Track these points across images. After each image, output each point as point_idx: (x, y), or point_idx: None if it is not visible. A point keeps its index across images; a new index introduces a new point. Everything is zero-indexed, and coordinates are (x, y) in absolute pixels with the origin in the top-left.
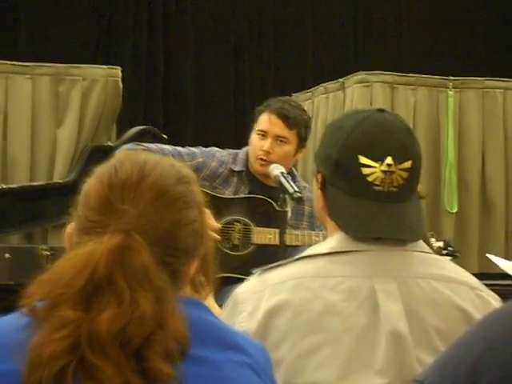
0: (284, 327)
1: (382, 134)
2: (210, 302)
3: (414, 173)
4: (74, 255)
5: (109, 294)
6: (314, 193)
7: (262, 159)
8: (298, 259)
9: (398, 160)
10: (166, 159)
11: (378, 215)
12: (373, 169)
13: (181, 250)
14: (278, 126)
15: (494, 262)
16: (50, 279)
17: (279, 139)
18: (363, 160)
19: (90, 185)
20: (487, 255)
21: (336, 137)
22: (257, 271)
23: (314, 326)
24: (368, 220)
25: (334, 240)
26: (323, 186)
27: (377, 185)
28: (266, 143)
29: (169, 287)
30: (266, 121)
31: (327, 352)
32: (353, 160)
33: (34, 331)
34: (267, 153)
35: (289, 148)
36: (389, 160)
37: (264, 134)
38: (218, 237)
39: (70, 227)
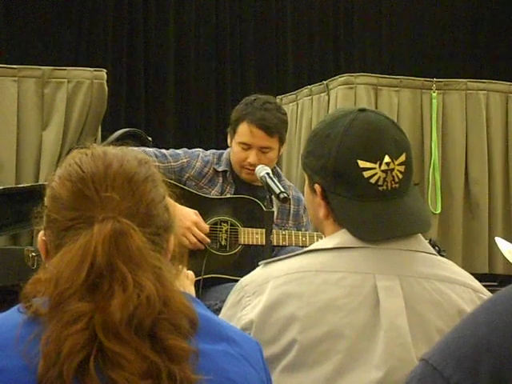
0: (285, 320)
1: (374, 135)
2: (182, 277)
3: (409, 164)
4: (67, 251)
5: (111, 281)
6: (309, 202)
7: (248, 169)
8: (303, 253)
9: (394, 156)
10: (118, 147)
11: (388, 215)
12: (373, 170)
13: (161, 228)
14: (261, 138)
15: (498, 245)
16: (48, 278)
17: (263, 150)
18: (362, 164)
19: (57, 187)
20: (496, 238)
21: (327, 146)
22: (262, 263)
23: (315, 321)
24: (380, 223)
25: (339, 235)
26: (324, 196)
27: (380, 185)
28: (251, 155)
29: (163, 265)
30: (247, 133)
31: (326, 347)
32: (352, 166)
33: (42, 328)
34: (253, 164)
35: (273, 154)
36: (386, 159)
37: (246, 146)
38: (208, 240)
39: (42, 234)
